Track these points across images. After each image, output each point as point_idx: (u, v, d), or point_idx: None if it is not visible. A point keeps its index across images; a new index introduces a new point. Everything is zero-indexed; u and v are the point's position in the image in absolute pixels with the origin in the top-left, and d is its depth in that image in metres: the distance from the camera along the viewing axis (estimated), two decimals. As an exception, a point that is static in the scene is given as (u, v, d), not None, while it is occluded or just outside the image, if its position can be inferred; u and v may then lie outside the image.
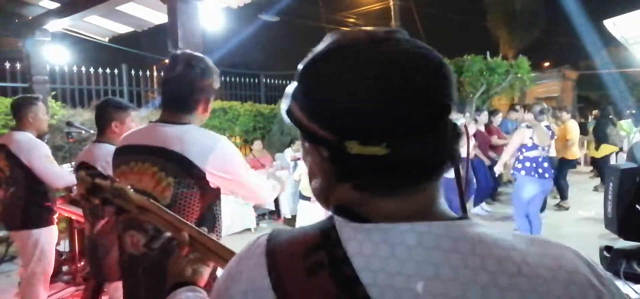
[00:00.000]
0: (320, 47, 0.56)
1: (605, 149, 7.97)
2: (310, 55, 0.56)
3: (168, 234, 1.32)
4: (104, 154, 2.31)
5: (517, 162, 4.74)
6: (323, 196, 0.59)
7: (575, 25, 16.54)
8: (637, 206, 1.82)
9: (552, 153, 5.51)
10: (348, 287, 0.49)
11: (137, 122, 2.49)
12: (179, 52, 1.57)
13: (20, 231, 3.13)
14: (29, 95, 3.59)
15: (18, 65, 5.72)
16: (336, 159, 0.53)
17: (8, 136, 3.17)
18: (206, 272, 0.95)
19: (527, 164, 4.60)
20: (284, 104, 0.59)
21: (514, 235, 0.52)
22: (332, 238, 0.53)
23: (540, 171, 4.58)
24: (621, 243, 1.93)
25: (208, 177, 1.45)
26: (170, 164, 1.43)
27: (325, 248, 0.52)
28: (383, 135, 0.50)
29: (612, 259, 1.85)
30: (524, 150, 4.66)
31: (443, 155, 0.53)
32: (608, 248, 1.92)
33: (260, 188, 1.63)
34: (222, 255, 0.93)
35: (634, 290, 1.68)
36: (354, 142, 0.50)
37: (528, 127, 4.73)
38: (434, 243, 0.49)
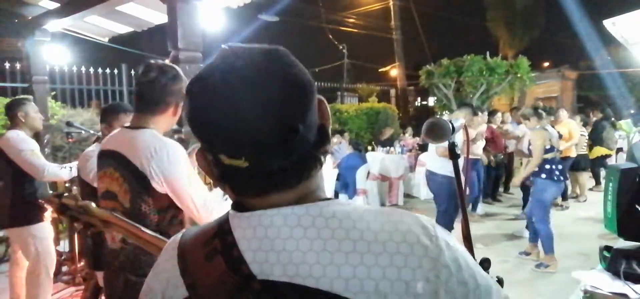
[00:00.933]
0: (208, 64, 0.64)
1: (597, 151, 7.98)
2: (197, 72, 0.64)
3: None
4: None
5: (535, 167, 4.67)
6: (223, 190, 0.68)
7: (575, 25, 16.56)
8: (636, 206, 1.83)
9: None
10: (236, 266, 0.59)
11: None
12: (151, 61, 1.67)
13: (10, 229, 3.17)
14: (22, 96, 3.65)
15: (18, 65, 5.72)
16: (217, 165, 0.62)
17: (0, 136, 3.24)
18: None
19: (547, 167, 4.55)
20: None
21: (366, 210, 0.62)
22: (225, 227, 0.63)
23: (557, 173, 4.55)
24: (621, 243, 1.93)
25: (153, 184, 1.52)
26: (124, 170, 1.55)
27: (219, 236, 0.63)
28: (241, 151, 0.59)
29: (612, 259, 1.85)
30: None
31: (301, 164, 0.61)
32: (608, 248, 1.92)
33: (203, 207, 1.57)
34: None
35: (633, 290, 1.68)
36: (223, 155, 0.60)
37: (544, 129, 4.68)
38: (296, 221, 0.59)
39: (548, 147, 4.56)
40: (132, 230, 1.18)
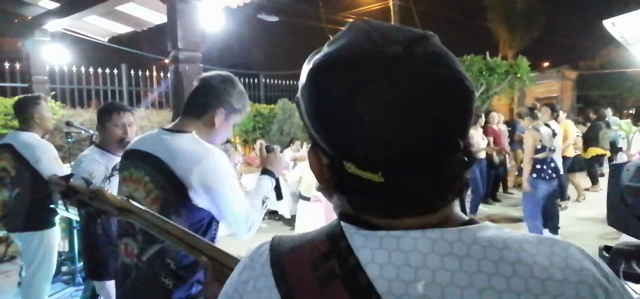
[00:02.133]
0: (330, 48, 0.51)
1: (592, 152, 7.99)
2: (318, 57, 0.51)
3: (157, 248, 1.36)
4: None
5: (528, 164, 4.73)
6: (326, 196, 0.57)
7: (575, 25, 16.56)
8: (624, 198, 1.90)
9: (559, 153, 5.51)
10: (363, 297, 0.47)
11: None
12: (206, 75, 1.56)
13: (24, 232, 3.11)
14: (32, 94, 3.57)
15: (18, 66, 5.72)
16: (334, 172, 0.51)
17: (14, 136, 3.13)
18: None
19: (538, 166, 4.62)
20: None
21: (523, 236, 0.51)
22: (342, 246, 0.50)
23: (549, 171, 4.61)
24: (621, 243, 1.94)
25: (191, 194, 1.35)
26: (158, 175, 1.38)
27: (335, 256, 0.50)
28: (380, 164, 0.47)
29: (612, 259, 1.86)
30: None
31: (445, 189, 0.50)
32: (608, 248, 1.93)
33: (245, 222, 1.45)
34: (215, 256, 0.93)
35: (633, 290, 1.68)
36: (350, 164, 0.48)
37: (536, 129, 4.73)
38: (447, 249, 0.47)
39: (539, 147, 4.63)
40: (153, 221, 1.02)
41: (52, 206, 3.16)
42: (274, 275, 0.52)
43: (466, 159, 0.50)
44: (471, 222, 0.51)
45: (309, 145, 0.57)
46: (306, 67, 0.52)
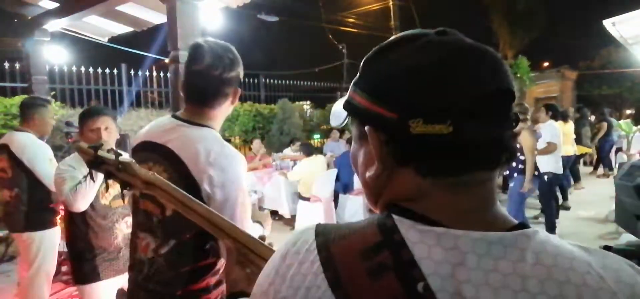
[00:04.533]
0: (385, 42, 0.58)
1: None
2: (375, 48, 0.58)
3: (174, 241, 1.32)
4: None
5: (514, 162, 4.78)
6: (376, 189, 0.58)
7: (575, 25, 16.57)
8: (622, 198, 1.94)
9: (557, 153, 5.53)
10: (416, 292, 0.46)
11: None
12: (202, 41, 1.40)
13: (23, 233, 3.11)
14: (41, 97, 3.57)
15: (17, 66, 5.72)
16: (398, 141, 0.52)
17: (9, 136, 3.12)
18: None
19: (521, 166, 4.71)
20: (339, 103, 0.61)
21: (573, 244, 0.52)
22: (396, 238, 0.50)
23: (535, 172, 4.69)
24: (621, 243, 1.94)
25: (202, 194, 1.28)
26: (173, 171, 1.31)
27: (388, 248, 0.49)
28: (448, 112, 0.49)
29: (612, 259, 1.87)
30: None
31: (503, 144, 0.52)
32: (608, 248, 1.93)
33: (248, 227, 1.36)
34: (240, 240, 0.90)
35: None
36: (418, 121, 0.49)
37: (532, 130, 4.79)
38: (502, 252, 0.48)
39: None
40: (179, 197, 0.99)
41: (51, 206, 3.16)
42: (320, 261, 0.51)
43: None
44: (522, 226, 0.52)
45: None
46: (363, 61, 0.59)
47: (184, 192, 1.02)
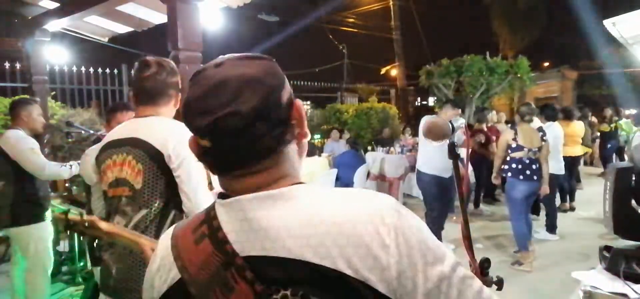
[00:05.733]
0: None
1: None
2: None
3: (142, 213, 1.60)
4: None
5: (505, 164, 4.73)
6: None
7: (575, 25, 16.55)
8: (631, 204, 1.87)
9: (557, 154, 5.44)
10: (221, 247, 0.68)
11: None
12: (148, 57, 1.74)
13: (11, 228, 3.17)
14: (28, 96, 3.64)
15: (18, 65, 5.72)
16: (198, 148, 0.72)
17: (1, 135, 3.24)
18: None
19: (513, 165, 4.57)
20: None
21: (335, 192, 0.69)
22: (211, 214, 0.72)
23: (527, 172, 4.51)
24: (621, 243, 1.94)
25: (169, 163, 1.58)
26: (139, 151, 1.61)
27: (206, 222, 0.72)
28: (205, 133, 0.68)
29: (612, 259, 1.86)
30: (509, 152, 4.64)
31: (258, 147, 0.69)
32: (608, 248, 1.93)
33: (202, 192, 1.61)
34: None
35: (634, 290, 1.68)
36: (198, 136, 0.70)
37: (511, 128, 4.72)
38: (271, 204, 0.68)
39: (514, 146, 4.58)
40: (133, 238, 1.34)
41: (38, 200, 3.21)
42: (172, 244, 0.75)
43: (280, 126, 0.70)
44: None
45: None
46: None
47: (135, 232, 1.42)
